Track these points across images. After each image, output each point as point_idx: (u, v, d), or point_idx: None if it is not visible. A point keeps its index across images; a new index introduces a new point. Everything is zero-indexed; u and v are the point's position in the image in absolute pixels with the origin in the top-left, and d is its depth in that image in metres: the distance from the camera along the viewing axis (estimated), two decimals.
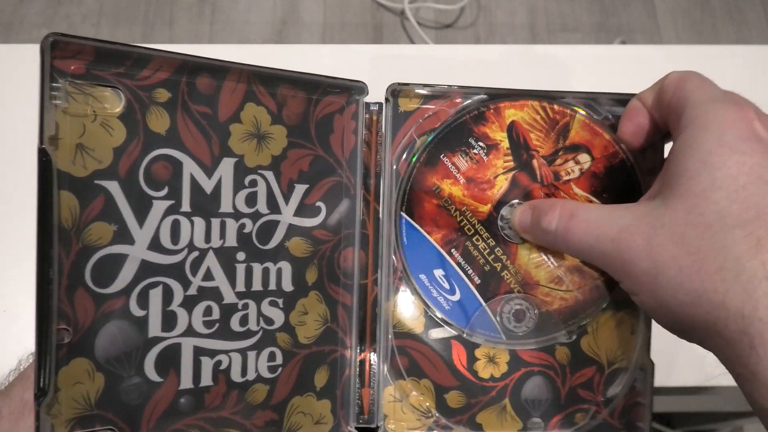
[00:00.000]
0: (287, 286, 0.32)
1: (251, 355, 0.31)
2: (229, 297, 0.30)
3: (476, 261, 0.33)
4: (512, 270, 0.33)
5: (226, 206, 0.30)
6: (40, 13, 0.68)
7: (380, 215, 0.34)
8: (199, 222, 0.29)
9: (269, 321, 0.31)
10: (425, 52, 0.57)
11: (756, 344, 0.23)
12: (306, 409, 0.33)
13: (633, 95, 0.32)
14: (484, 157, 0.33)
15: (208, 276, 0.30)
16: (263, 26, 0.74)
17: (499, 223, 0.33)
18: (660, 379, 0.37)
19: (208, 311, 0.29)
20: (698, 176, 0.26)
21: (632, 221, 0.28)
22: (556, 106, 0.33)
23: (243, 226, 0.30)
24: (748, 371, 0.24)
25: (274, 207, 0.31)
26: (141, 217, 0.28)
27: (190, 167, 0.29)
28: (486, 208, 0.33)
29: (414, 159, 0.33)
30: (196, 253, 0.29)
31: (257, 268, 0.31)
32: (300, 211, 0.32)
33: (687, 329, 0.27)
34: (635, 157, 0.33)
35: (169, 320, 0.28)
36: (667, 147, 0.30)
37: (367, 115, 0.35)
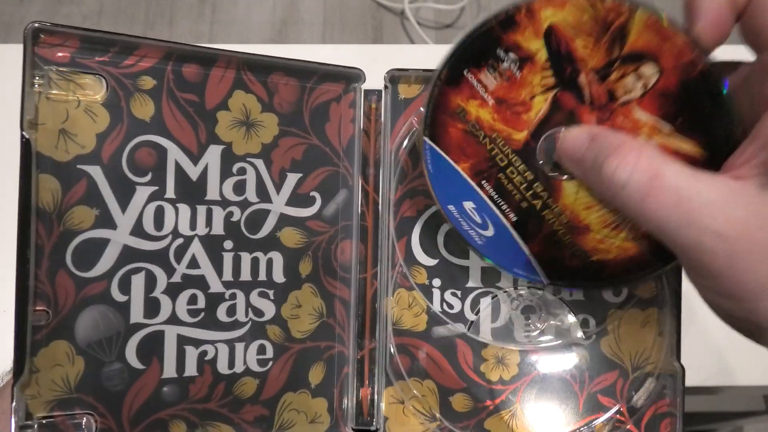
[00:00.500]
0: (278, 277, 0.31)
1: (239, 346, 0.30)
2: (215, 286, 0.30)
3: (511, 196, 0.28)
4: (556, 210, 0.28)
5: (212, 193, 0.30)
6: (40, 13, 0.73)
7: (379, 206, 0.33)
8: (184, 209, 0.29)
9: (258, 312, 0.31)
10: (425, 52, 0.56)
11: None
12: (300, 407, 0.31)
13: None
14: (517, 73, 0.27)
15: (194, 264, 0.29)
16: (263, 26, 0.75)
17: (539, 154, 0.28)
18: None
19: (192, 299, 0.29)
20: None
21: (748, 215, 0.21)
22: (608, 1, 0.25)
23: (231, 214, 0.30)
24: None
25: (264, 195, 0.31)
26: (123, 202, 0.28)
27: (175, 154, 0.29)
28: (521, 136, 0.28)
29: (436, 77, 0.28)
30: (180, 240, 0.29)
31: (246, 258, 0.30)
32: (293, 201, 0.32)
33: None
34: (723, 67, 0.25)
35: (151, 307, 0.28)
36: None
37: (366, 104, 0.34)
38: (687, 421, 0.29)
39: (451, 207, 0.29)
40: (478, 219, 0.29)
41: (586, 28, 0.26)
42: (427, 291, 0.32)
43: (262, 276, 0.31)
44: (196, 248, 0.29)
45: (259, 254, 0.31)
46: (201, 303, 0.29)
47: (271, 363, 0.31)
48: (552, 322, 0.32)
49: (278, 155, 0.31)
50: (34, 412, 0.26)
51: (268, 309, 0.31)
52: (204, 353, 0.29)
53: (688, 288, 0.25)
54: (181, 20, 0.73)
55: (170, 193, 0.29)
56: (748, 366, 0.41)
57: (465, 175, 0.29)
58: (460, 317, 0.32)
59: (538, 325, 0.32)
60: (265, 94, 0.31)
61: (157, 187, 0.28)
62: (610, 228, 0.27)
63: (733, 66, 0.25)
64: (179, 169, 0.29)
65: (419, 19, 0.82)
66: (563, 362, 0.32)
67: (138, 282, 0.28)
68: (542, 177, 0.28)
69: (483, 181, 0.29)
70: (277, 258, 0.31)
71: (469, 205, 0.29)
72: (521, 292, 0.32)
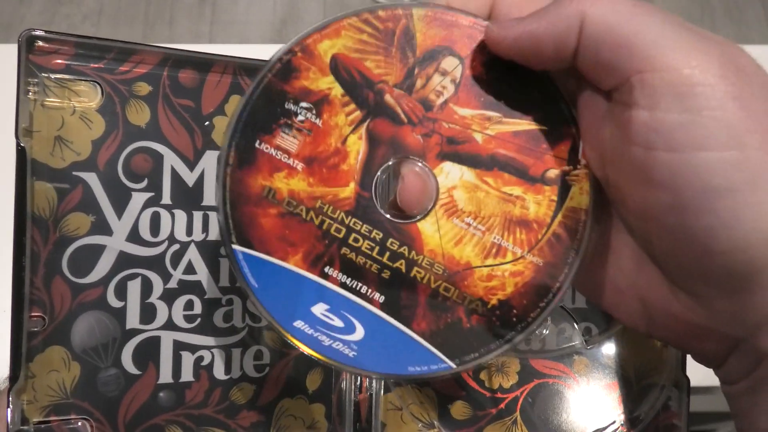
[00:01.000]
0: None
1: (236, 352, 0.30)
2: (211, 292, 0.30)
3: (367, 270, 0.23)
4: (425, 262, 0.23)
5: (209, 199, 0.30)
6: (40, 13, 0.73)
7: None
8: (181, 215, 0.29)
9: (256, 318, 0.30)
10: None
11: None
12: (297, 413, 0.31)
13: None
14: (317, 121, 0.23)
15: (190, 269, 0.29)
16: (263, 26, 0.75)
17: (378, 204, 0.24)
18: None
19: (189, 305, 0.29)
20: None
21: None
22: (381, 12, 0.23)
23: None
24: None
25: None
26: (119, 208, 0.28)
27: (171, 160, 0.29)
28: (349, 191, 0.23)
29: (224, 163, 0.23)
30: (176, 246, 0.29)
31: None
32: None
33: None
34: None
35: (148, 313, 0.28)
36: None
37: None
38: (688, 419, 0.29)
39: (298, 323, 0.23)
40: (338, 323, 0.23)
41: (371, 46, 0.24)
42: None
43: None
44: (193, 254, 0.29)
45: None
46: (197, 309, 0.29)
47: (268, 369, 0.31)
48: (553, 329, 0.31)
49: None
50: (30, 417, 0.26)
51: None
52: (200, 359, 0.29)
53: None
54: (181, 20, 0.73)
55: (166, 199, 0.29)
56: None
57: (300, 271, 0.23)
58: None
59: (539, 333, 0.31)
60: None
61: (153, 193, 0.29)
62: (493, 254, 0.24)
63: None
64: (175, 175, 0.29)
65: None
66: (564, 371, 0.31)
67: (134, 288, 0.28)
68: (393, 229, 0.24)
69: (326, 268, 0.23)
70: None
71: (319, 309, 0.23)
72: None
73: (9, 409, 0.25)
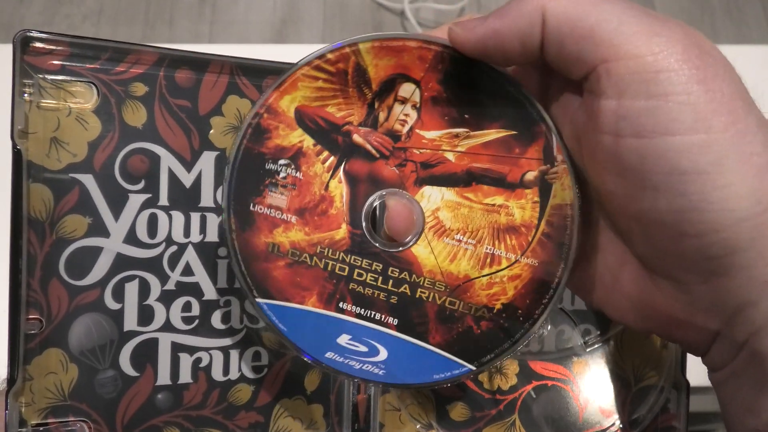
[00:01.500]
0: None
1: (234, 353, 0.30)
2: (209, 293, 0.30)
3: (376, 299, 0.25)
4: (426, 283, 0.25)
5: (206, 200, 0.29)
6: (40, 13, 0.73)
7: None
8: (178, 216, 0.29)
9: (254, 319, 0.30)
10: None
11: None
12: (295, 413, 0.31)
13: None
14: (298, 174, 0.25)
15: (188, 271, 0.29)
16: (263, 26, 0.74)
17: (371, 238, 0.25)
18: None
19: (187, 307, 0.29)
20: None
21: None
22: (330, 55, 0.24)
23: None
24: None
25: None
26: (116, 210, 0.28)
27: (168, 161, 0.29)
28: (343, 232, 0.25)
29: (228, 230, 0.25)
30: (174, 248, 0.29)
31: None
32: None
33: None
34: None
35: (145, 314, 0.28)
36: None
37: None
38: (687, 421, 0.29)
39: (329, 354, 0.25)
40: (362, 348, 0.25)
41: (328, 91, 0.25)
42: None
43: None
44: (190, 255, 0.29)
45: None
46: (195, 310, 0.29)
47: (266, 370, 0.31)
48: (552, 331, 0.31)
49: None
50: (28, 419, 0.26)
51: None
52: (198, 360, 0.29)
53: None
54: (180, 20, 0.73)
55: (164, 200, 0.29)
56: None
57: (318, 310, 0.25)
58: None
59: (538, 335, 0.31)
60: None
61: (150, 195, 0.28)
62: (488, 264, 0.25)
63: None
64: (172, 176, 0.29)
65: (419, 19, 0.80)
66: (563, 372, 0.31)
67: (132, 290, 0.28)
68: (390, 258, 0.25)
69: (340, 304, 0.25)
70: None
71: (344, 340, 0.25)
72: None
73: (6, 412, 0.25)
